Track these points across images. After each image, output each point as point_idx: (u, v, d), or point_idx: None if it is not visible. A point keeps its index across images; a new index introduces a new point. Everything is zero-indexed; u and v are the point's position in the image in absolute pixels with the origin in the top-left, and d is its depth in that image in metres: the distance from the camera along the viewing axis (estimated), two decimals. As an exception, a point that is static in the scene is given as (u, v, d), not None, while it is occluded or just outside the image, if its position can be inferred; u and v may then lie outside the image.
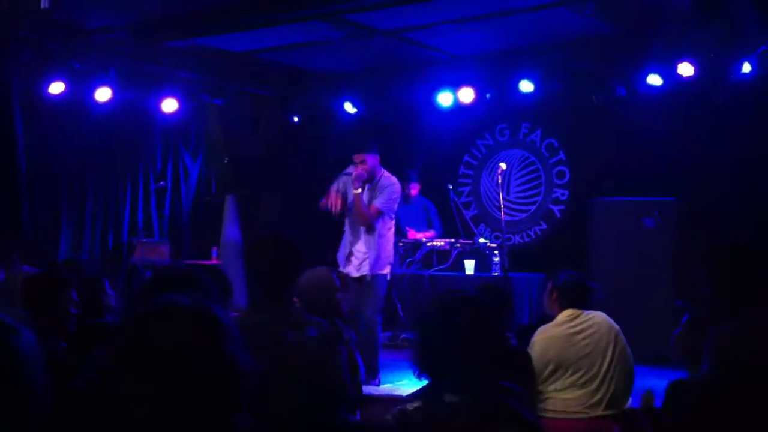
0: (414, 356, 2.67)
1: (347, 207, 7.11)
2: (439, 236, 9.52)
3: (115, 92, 9.08)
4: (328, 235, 9.46)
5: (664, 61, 8.24)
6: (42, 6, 6.04)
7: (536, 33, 8.37)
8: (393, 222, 7.31)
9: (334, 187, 7.12)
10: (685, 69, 8.12)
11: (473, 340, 2.58)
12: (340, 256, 7.27)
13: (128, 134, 10.29)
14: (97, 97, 9.04)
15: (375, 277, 7.02)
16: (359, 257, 7.12)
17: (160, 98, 9.71)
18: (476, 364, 2.57)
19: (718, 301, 4.02)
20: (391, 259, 7.27)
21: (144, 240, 10.09)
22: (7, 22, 7.40)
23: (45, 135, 9.20)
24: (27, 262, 7.38)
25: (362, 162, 7.00)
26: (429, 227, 9.73)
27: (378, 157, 7.15)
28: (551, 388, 4.89)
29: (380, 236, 7.08)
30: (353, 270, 7.11)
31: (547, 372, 4.90)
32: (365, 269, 7.04)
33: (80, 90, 8.97)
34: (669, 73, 8.33)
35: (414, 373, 2.69)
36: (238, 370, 1.49)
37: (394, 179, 7.20)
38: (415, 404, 2.60)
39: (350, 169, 7.10)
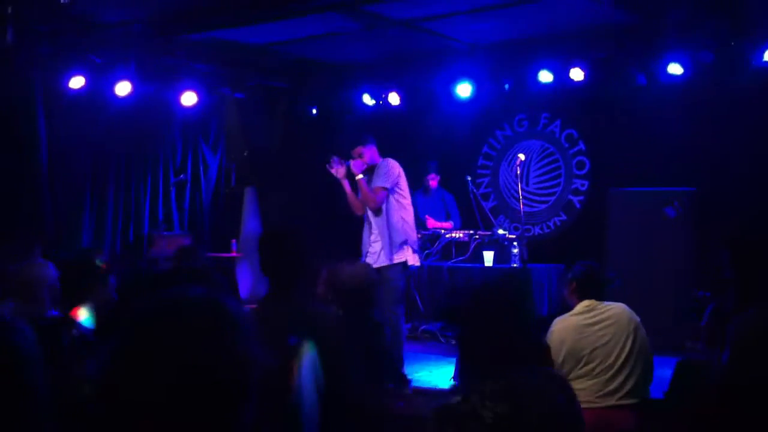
0: (461, 352, 2.68)
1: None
2: (457, 228, 9.52)
3: (135, 86, 9.14)
4: (345, 227, 9.51)
5: (683, 50, 8.19)
6: (61, 0, 6.07)
7: (555, 22, 8.33)
8: (406, 204, 7.28)
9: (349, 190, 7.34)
10: (705, 58, 8.07)
11: (514, 331, 2.60)
12: (363, 254, 7.32)
13: (148, 127, 10.34)
14: (117, 90, 9.12)
15: (390, 267, 7.00)
16: (375, 248, 7.16)
17: (180, 91, 9.78)
18: (515, 353, 2.58)
19: (741, 288, 3.98)
20: (408, 243, 7.16)
21: (164, 233, 10.15)
22: (27, 17, 7.45)
23: (66, 128, 9.26)
24: (49, 256, 7.43)
25: (360, 156, 7.25)
26: (447, 218, 9.75)
27: (374, 147, 7.33)
28: (567, 377, 4.89)
29: (389, 220, 7.12)
30: (371, 263, 7.12)
31: (560, 361, 4.90)
32: (381, 260, 7.03)
33: (100, 83, 9.04)
34: (689, 62, 8.28)
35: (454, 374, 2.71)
36: (248, 364, 1.44)
37: (388, 159, 7.30)
38: (457, 398, 2.59)
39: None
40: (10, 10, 7.38)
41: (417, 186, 9.88)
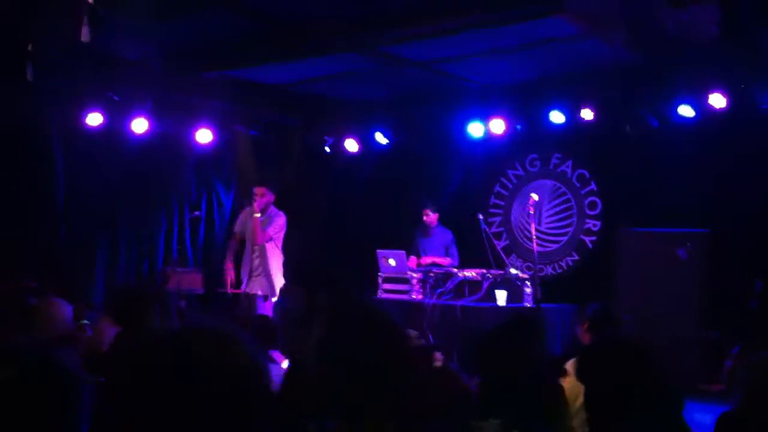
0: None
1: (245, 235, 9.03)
2: (455, 266, 9.53)
3: (151, 123, 9.25)
4: (357, 260, 9.55)
5: (695, 91, 8.24)
6: (82, 39, 6.18)
7: (567, 64, 8.41)
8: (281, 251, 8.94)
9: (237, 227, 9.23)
10: (717, 100, 8.11)
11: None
12: (243, 274, 8.93)
13: (163, 164, 10.42)
14: (134, 127, 9.21)
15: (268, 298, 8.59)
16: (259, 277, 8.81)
17: (195, 128, 9.87)
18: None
19: (764, 318, 3.99)
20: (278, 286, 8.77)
21: (178, 269, 10.19)
22: (47, 54, 7.58)
23: (82, 164, 9.35)
24: (63, 292, 7.47)
25: (263, 194, 8.75)
26: (446, 255, 9.76)
27: (273, 193, 8.91)
28: (580, 422, 4.82)
29: (271, 261, 8.85)
30: (257, 288, 8.81)
31: (578, 405, 4.84)
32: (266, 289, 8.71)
33: (117, 121, 9.14)
34: (700, 104, 8.32)
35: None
36: (254, 386, 1.49)
37: (282, 213, 8.97)
38: None
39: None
40: (30, 47, 7.52)
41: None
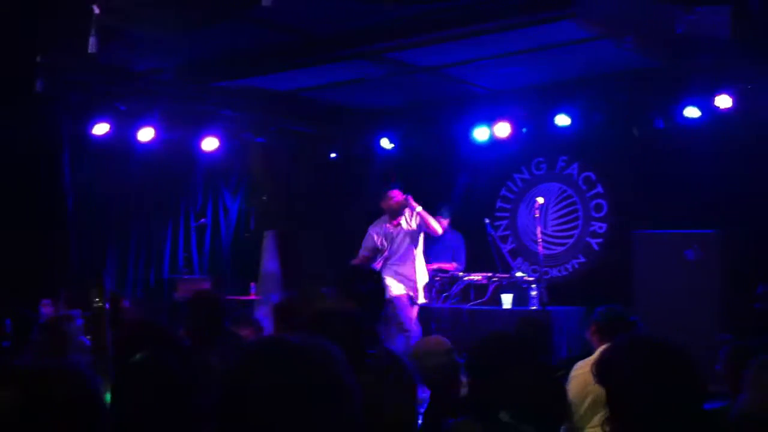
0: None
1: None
2: (461, 270, 9.54)
3: (158, 132, 9.27)
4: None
5: (702, 93, 8.26)
6: (90, 50, 6.21)
7: (574, 67, 8.42)
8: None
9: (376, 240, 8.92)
10: (723, 101, 8.13)
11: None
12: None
13: (171, 173, 10.46)
14: (140, 136, 9.24)
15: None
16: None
17: (202, 136, 9.90)
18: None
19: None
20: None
21: (185, 277, 10.23)
22: (56, 66, 7.62)
23: (90, 175, 9.39)
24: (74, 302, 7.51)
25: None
26: (452, 260, 9.78)
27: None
28: (590, 424, 4.82)
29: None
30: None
31: (584, 407, 4.81)
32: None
33: (125, 130, 9.17)
34: (707, 105, 8.34)
35: None
36: (352, 393, 1.54)
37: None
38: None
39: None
40: (39, 59, 7.56)
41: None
